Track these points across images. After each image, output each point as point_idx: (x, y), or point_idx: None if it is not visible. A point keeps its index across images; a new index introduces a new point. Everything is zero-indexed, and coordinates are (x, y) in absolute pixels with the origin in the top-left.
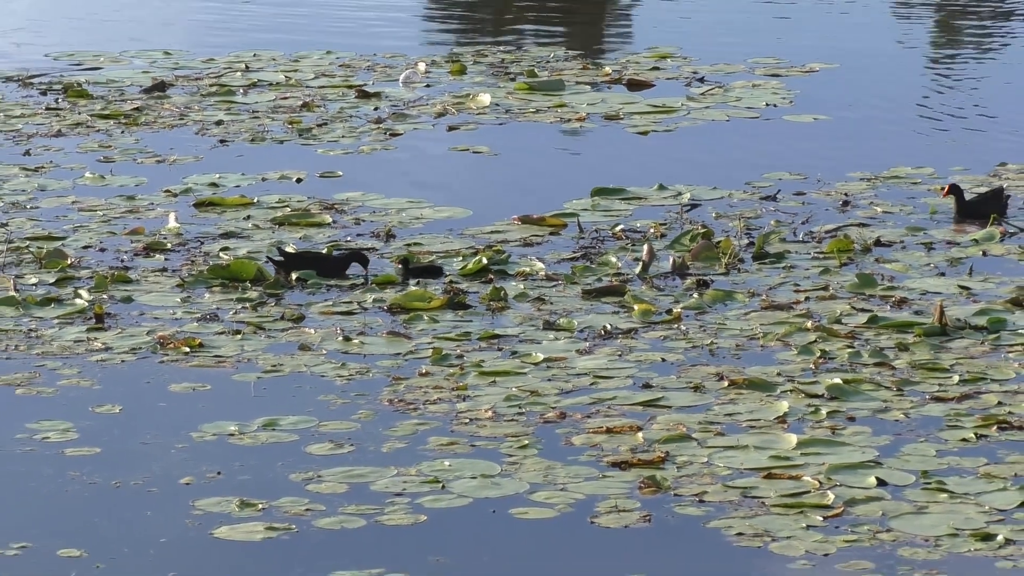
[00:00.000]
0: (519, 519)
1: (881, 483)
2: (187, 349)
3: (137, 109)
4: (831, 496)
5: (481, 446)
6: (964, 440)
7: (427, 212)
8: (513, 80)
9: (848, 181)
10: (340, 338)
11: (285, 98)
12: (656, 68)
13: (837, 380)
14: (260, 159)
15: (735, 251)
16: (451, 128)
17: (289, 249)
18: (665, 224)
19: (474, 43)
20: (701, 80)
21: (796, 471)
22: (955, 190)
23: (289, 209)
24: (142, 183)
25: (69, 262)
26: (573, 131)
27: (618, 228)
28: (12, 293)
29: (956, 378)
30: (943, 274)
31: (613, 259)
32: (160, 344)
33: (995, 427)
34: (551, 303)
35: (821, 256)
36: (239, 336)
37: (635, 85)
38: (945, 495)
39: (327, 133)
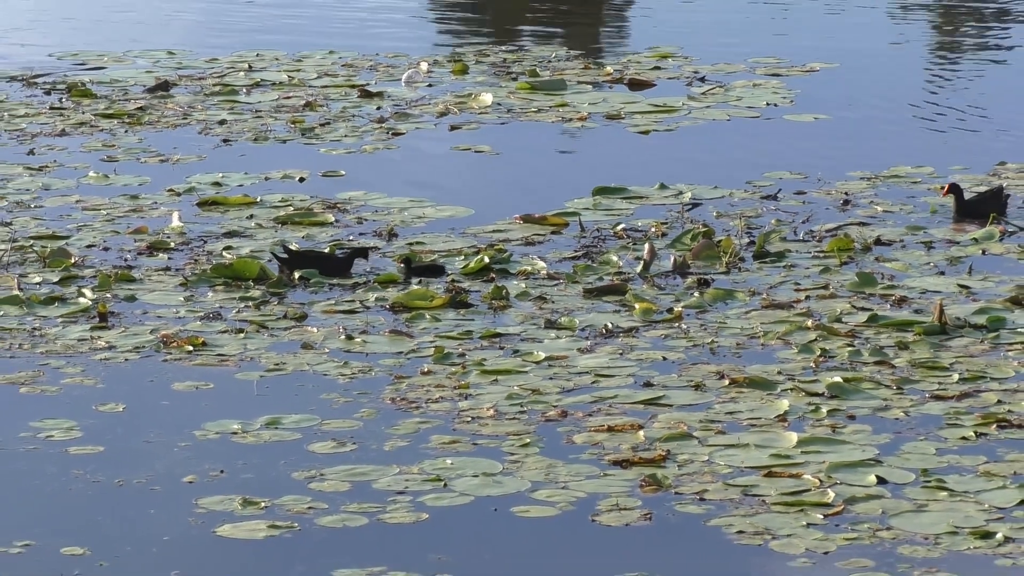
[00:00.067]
0: (521, 517)
1: (881, 481)
2: (190, 348)
3: (141, 109)
4: (831, 494)
5: (483, 444)
6: (964, 438)
7: (429, 211)
8: (515, 80)
9: (848, 180)
10: (342, 337)
11: (288, 98)
12: (657, 68)
13: (837, 379)
14: (263, 158)
15: (736, 250)
16: (453, 127)
17: (292, 247)
18: (666, 223)
19: (476, 43)
20: (702, 80)
21: (796, 469)
22: (955, 189)
23: (292, 208)
24: (146, 182)
25: (73, 261)
26: (574, 131)
27: (619, 227)
28: (16, 292)
29: (956, 377)
30: (943, 273)
31: (614, 258)
32: (163, 343)
33: (994, 425)
34: (552, 302)
35: (821, 255)
36: (242, 335)
37: (636, 85)
38: (945, 493)
39: (330, 132)
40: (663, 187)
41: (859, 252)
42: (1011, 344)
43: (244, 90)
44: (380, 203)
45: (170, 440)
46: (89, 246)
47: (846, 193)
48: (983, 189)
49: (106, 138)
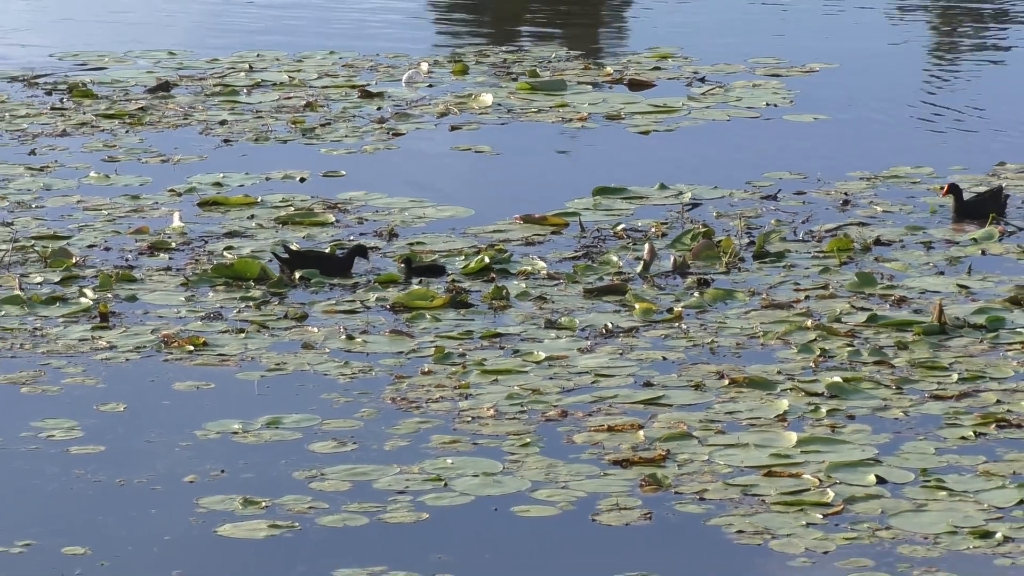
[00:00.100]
0: (521, 517)
1: (880, 481)
2: (191, 348)
3: (141, 109)
4: (831, 494)
5: (483, 444)
6: (963, 438)
7: (429, 211)
8: (515, 80)
9: (848, 180)
10: (343, 336)
11: (288, 98)
12: (657, 68)
13: (837, 378)
14: (264, 159)
15: (736, 250)
16: (453, 128)
17: (293, 247)
18: (666, 223)
19: (476, 43)
20: (702, 80)
21: (796, 469)
22: (954, 189)
23: (292, 208)
24: (146, 182)
25: (74, 261)
26: (574, 131)
27: (619, 227)
28: (17, 292)
29: (955, 376)
30: (942, 273)
31: (614, 258)
32: (164, 343)
33: (994, 425)
34: (553, 302)
35: (821, 255)
36: (243, 335)
37: (636, 85)
38: (944, 493)
39: (330, 133)
40: (663, 187)
41: (859, 252)
42: (1010, 344)
43: (245, 90)
44: (381, 203)
45: (171, 440)
46: (90, 246)
47: (846, 193)
48: (982, 189)
49: (107, 138)
